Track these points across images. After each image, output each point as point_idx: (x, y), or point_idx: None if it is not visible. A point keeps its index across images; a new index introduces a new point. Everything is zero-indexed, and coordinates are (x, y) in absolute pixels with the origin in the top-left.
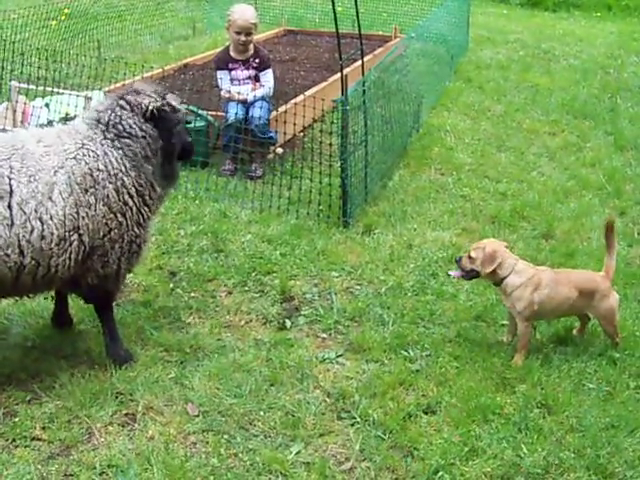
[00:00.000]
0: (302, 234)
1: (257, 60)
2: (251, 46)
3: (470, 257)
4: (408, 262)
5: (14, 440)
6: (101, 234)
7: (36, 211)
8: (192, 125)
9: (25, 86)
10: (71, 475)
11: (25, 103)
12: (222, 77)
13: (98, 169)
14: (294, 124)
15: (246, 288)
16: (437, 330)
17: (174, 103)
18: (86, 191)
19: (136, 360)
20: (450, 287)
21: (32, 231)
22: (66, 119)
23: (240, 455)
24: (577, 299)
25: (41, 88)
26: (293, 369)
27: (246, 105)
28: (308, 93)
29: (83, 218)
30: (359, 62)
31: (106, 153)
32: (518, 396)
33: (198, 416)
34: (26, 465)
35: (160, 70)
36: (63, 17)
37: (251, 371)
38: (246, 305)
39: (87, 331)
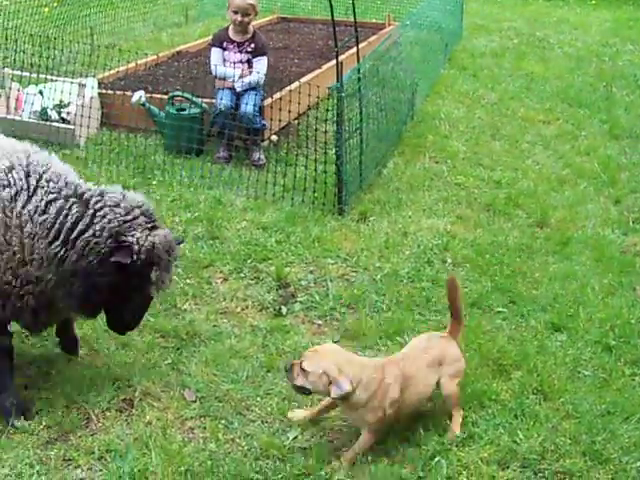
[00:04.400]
0: (297, 221)
1: (252, 45)
2: (250, 28)
3: (303, 369)
4: (403, 249)
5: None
6: None
7: None
8: (187, 112)
9: (18, 73)
10: (70, 460)
11: (18, 90)
12: (215, 55)
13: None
14: (289, 111)
15: (242, 275)
16: (433, 317)
17: (153, 275)
18: None
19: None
20: (445, 274)
21: None
22: (60, 106)
23: (238, 440)
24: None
25: (34, 75)
26: (289, 355)
27: (235, 92)
28: (302, 80)
29: None
30: (353, 50)
31: (37, 193)
32: (514, 382)
33: (195, 402)
34: (25, 450)
35: (154, 57)
36: (55, 4)
37: (248, 357)
38: (242, 292)
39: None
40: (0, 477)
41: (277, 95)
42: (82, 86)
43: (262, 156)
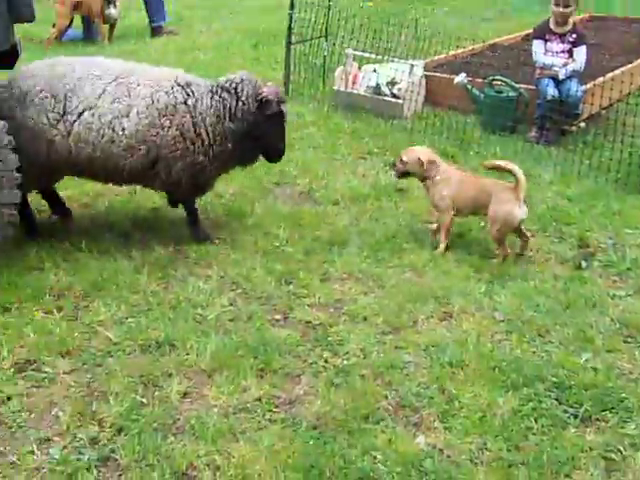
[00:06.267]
0: (599, 196)
1: (574, 35)
2: (570, 21)
3: (402, 161)
4: None
5: (354, 317)
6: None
7: (111, 123)
8: (505, 95)
9: (359, 53)
10: (400, 347)
11: (357, 68)
12: (537, 46)
13: (184, 103)
14: (601, 97)
15: (547, 234)
16: None
17: (283, 108)
18: (164, 116)
19: (213, 239)
20: None
21: (103, 136)
22: (392, 83)
23: (537, 352)
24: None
25: (372, 56)
26: (586, 298)
27: (557, 79)
28: (613, 74)
29: (153, 135)
30: None
31: (202, 98)
32: None
33: (503, 321)
34: (367, 336)
35: (470, 48)
36: None
37: (549, 295)
38: (546, 247)
39: (411, 249)
40: (350, 349)
41: (589, 85)
42: (412, 67)
43: (536, 134)
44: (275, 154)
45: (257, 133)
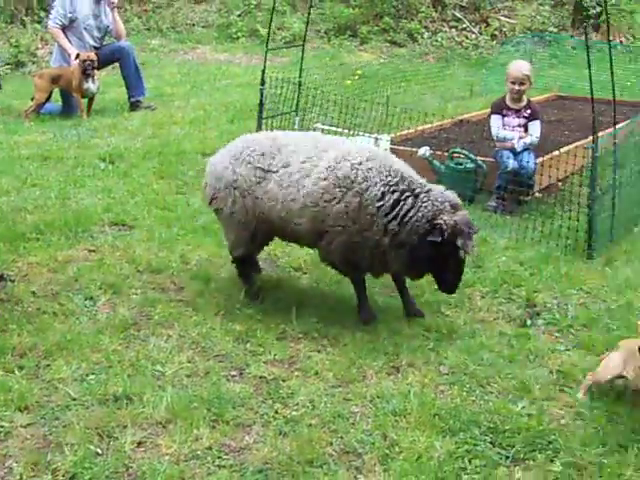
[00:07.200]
0: (550, 260)
1: (528, 111)
2: (524, 98)
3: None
4: None
5: (307, 372)
6: (329, 223)
7: (297, 182)
8: (463, 167)
9: (327, 127)
10: (349, 400)
11: None
12: (495, 120)
13: (357, 182)
14: (557, 169)
15: (497, 295)
16: None
17: (458, 241)
18: (338, 186)
19: (377, 318)
20: None
21: (289, 194)
22: None
23: (476, 401)
24: None
25: (339, 130)
26: (528, 353)
27: (514, 152)
28: (568, 148)
29: (323, 205)
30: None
31: (376, 184)
32: None
33: (447, 374)
34: (316, 389)
35: (438, 123)
36: (356, 77)
37: (493, 351)
38: (495, 307)
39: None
40: (299, 401)
41: (544, 158)
42: (376, 140)
43: (494, 204)
44: (442, 286)
45: (418, 254)
